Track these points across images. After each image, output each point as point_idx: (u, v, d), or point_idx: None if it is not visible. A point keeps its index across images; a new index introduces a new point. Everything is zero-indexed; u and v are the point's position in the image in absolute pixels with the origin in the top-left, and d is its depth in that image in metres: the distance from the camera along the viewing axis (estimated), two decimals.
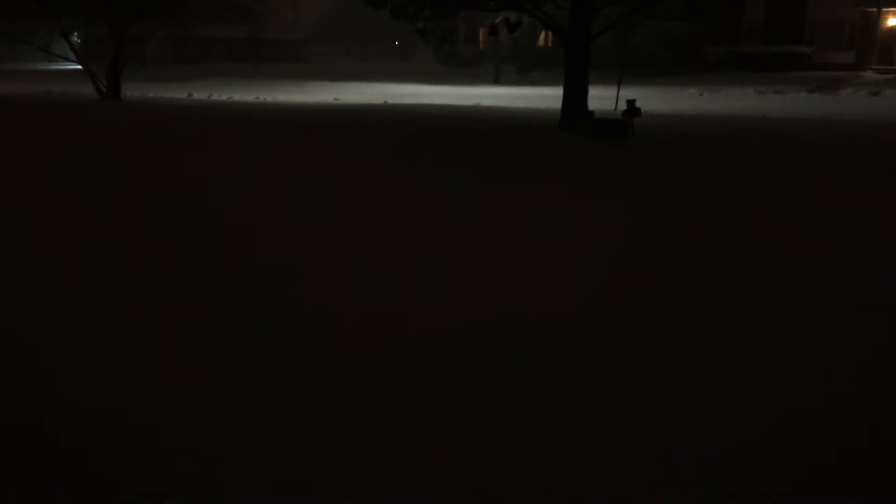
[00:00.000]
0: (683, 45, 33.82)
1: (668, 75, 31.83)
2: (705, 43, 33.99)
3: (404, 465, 2.82)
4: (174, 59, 51.60)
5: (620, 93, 17.48)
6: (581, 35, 13.61)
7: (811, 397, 3.39)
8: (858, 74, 29.75)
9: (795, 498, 2.69)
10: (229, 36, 54.78)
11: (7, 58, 39.53)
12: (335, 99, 24.17)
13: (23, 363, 3.71)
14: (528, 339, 4.02)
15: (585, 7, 13.50)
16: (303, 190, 8.16)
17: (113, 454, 2.89)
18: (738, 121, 16.18)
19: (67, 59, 23.23)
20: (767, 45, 33.43)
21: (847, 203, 7.56)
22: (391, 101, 22.60)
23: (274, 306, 4.49)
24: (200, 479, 2.74)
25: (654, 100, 21.48)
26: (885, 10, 31.12)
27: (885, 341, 4.06)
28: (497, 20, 31.30)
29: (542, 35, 41.34)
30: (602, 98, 17.92)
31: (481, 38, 50.09)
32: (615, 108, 16.12)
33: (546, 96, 23.34)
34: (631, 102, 13.13)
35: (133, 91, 23.57)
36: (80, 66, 22.71)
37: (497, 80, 35.10)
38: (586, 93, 14.04)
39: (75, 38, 26.49)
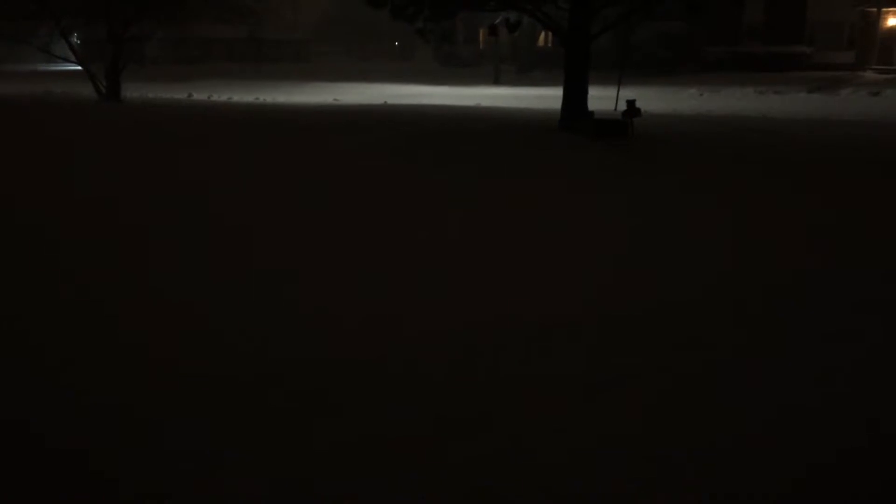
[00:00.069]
0: (683, 45, 33.83)
1: (668, 75, 31.82)
2: (705, 43, 33.99)
3: (404, 466, 2.82)
4: (174, 59, 51.60)
5: (620, 93, 17.47)
6: (581, 35, 13.61)
7: (811, 397, 3.39)
8: (858, 74, 29.76)
9: (795, 498, 2.69)
10: (229, 36, 54.74)
11: (7, 58, 39.50)
12: (335, 99, 24.17)
13: (23, 363, 3.71)
14: (528, 339, 4.02)
15: (585, 7, 13.50)
16: (303, 190, 8.16)
17: (113, 454, 2.89)
18: (737, 121, 16.18)
19: (67, 60, 23.19)
20: (767, 45, 33.43)
21: (847, 203, 7.56)
22: (391, 101, 22.60)
23: (274, 306, 4.49)
24: (200, 479, 2.74)
25: (654, 100, 21.48)
26: (884, 10, 31.12)
27: (885, 341, 4.06)
28: (497, 20, 31.31)
29: (542, 35, 41.35)
30: (602, 98, 17.92)
31: (481, 39, 50.09)
32: (615, 109, 16.12)
33: (546, 96, 23.34)
34: (631, 102, 13.12)
35: (133, 91, 23.56)
36: (79, 67, 22.70)
37: (497, 81, 35.10)
38: (586, 93, 14.04)
39: (75, 39, 26.47)
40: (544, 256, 5.65)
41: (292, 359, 3.76)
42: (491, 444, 2.98)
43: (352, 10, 57.48)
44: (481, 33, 48.25)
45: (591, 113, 13.75)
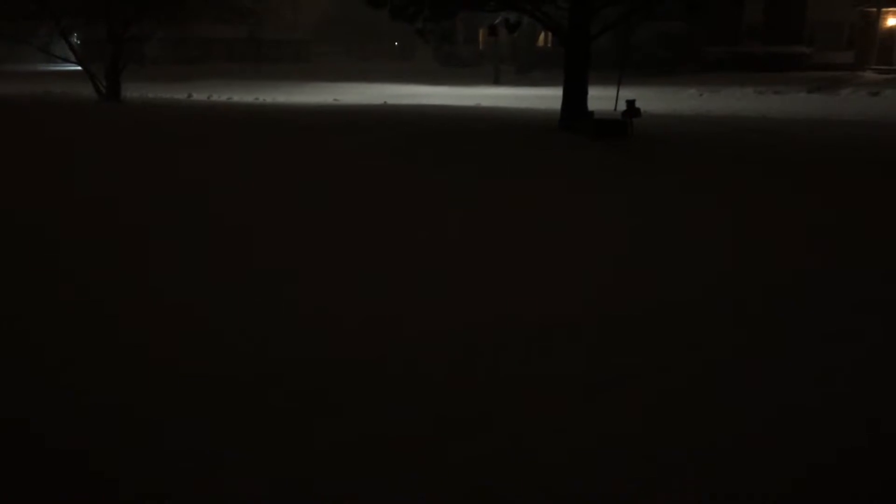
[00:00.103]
0: (683, 46, 33.83)
1: (668, 75, 31.83)
2: (705, 43, 34.00)
3: (404, 466, 2.82)
4: (174, 59, 51.58)
5: (620, 93, 17.46)
6: (580, 35, 13.62)
7: (811, 397, 3.39)
8: (858, 74, 29.77)
9: (795, 498, 2.69)
10: (229, 36, 54.74)
11: (7, 59, 39.52)
12: (335, 99, 24.17)
13: (23, 363, 3.71)
14: (528, 339, 4.02)
15: (585, 7, 13.50)
16: (302, 190, 8.16)
17: (113, 454, 2.89)
18: (737, 121, 16.19)
19: (67, 60, 23.19)
20: (767, 46, 33.44)
21: (847, 203, 7.56)
22: (391, 101, 22.60)
23: (274, 307, 4.49)
24: (200, 479, 2.74)
25: (654, 100, 21.48)
26: (884, 10, 31.13)
27: (884, 341, 4.06)
28: (496, 20, 31.30)
29: (542, 35, 41.36)
30: (602, 98, 17.91)
31: (481, 39, 50.10)
32: (615, 109, 16.11)
33: (546, 97, 23.34)
34: (630, 103, 13.12)
35: (133, 91, 23.56)
36: (79, 67, 22.70)
37: (497, 81, 35.11)
38: (586, 93, 14.04)
39: (75, 39, 26.47)
40: (544, 256, 5.65)
41: (292, 359, 3.76)
42: (491, 444, 2.98)
43: (352, 10, 57.47)
44: (481, 33, 48.27)
45: (591, 113, 13.75)
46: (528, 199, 7.68)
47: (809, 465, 2.85)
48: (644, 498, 2.65)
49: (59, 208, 7.10)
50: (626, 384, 3.50)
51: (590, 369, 3.66)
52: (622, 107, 13.70)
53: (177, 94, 26.59)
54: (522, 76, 38.27)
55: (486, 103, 21.86)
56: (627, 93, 17.74)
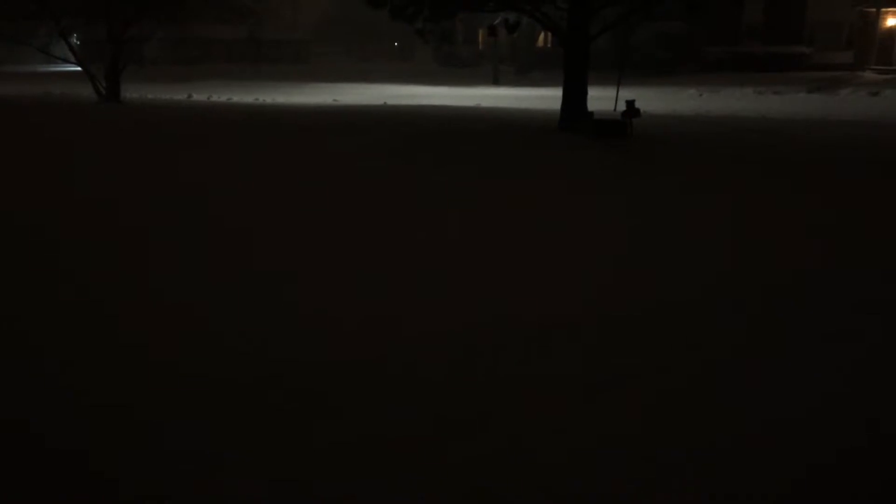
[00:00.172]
0: (683, 46, 33.83)
1: (668, 76, 31.82)
2: (705, 43, 33.99)
3: (403, 466, 2.83)
4: (173, 59, 51.54)
5: (620, 93, 17.47)
6: (580, 36, 13.62)
7: (811, 397, 3.39)
8: (857, 74, 29.76)
9: (795, 498, 2.69)
10: (229, 36, 54.70)
11: (6, 59, 39.44)
12: (334, 100, 24.17)
13: (23, 363, 3.71)
14: (528, 339, 4.02)
15: (584, 8, 13.51)
16: (302, 191, 8.16)
17: (112, 455, 2.89)
18: (737, 121, 16.19)
19: (67, 61, 23.18)
20: (767, 46, 33.45)
21: (846, 203, 7.56)
22: (391, 101, 22.60)
23: (273, 308, 4.49)
24: (200, 480, 2.74)
25: (654, 100, 21.48)
26: (883, 10, 31.13)
27: (884, 341, 4.06)
28: (496, 21, 31.31)
29: (541, 36, 41.35)
30: (601, 99, 17.92)
31: (480, 39, 50.09)
32: (614, 109, 16.12)
33: (545, 97, 23.34)
34: (630, 103, 13.12)
35: (132, 92, 23.57)
36: (79, 68, 22.70)
37: (496, 81, 35.10)
38: (585, 93, 14.04)
39: (74, 40, 26.46)
40: (544, 257, 5.65)
41: (292, 360, 3.76)
42: (491, 444, 2.98)
43: (352, 11, 57.39)
44: (480, 34, 48.26)
45: (591, 113, 13.76)
46: (528, 199, 7.69)
47: (809, 466, 2.85)
48: (643, 498, 2.66)
49: (59, 209, 7.10)
50: (625, 384, 3.50)
51: (589, 369, 3.67)
52: (622, 107, 13.71)
53: (176, 94, 26.59)
54: (522, 76, 38.27)
55: (485, 104, 21.86)
56: (627, 93, 17.74)
